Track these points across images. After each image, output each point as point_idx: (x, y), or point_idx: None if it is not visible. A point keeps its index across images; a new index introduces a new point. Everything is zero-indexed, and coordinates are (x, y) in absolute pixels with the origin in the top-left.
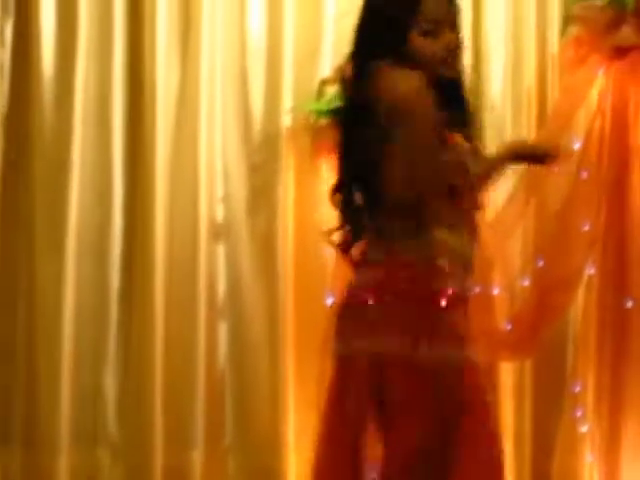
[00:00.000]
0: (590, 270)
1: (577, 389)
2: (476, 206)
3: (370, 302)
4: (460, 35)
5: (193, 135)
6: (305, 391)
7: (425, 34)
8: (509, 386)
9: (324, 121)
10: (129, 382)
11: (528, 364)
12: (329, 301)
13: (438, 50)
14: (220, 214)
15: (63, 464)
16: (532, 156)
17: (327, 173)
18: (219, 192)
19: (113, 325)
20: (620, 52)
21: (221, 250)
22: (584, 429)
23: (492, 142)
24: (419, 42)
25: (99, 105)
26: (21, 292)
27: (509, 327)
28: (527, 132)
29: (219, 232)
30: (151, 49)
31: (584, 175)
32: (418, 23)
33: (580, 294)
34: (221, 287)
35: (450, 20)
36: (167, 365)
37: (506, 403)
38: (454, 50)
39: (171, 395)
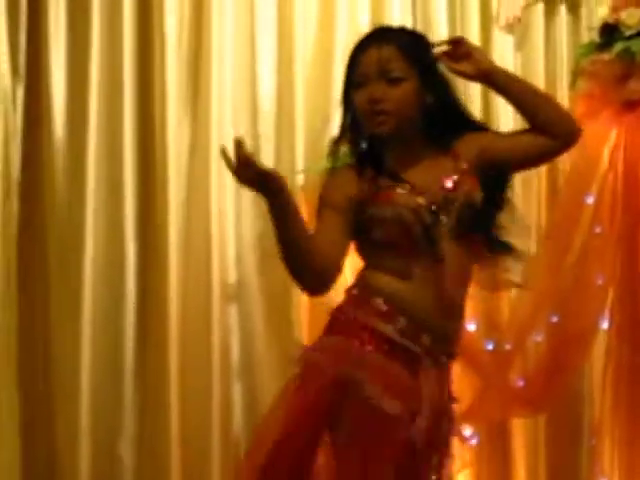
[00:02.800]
0: (604, 325)
1: (593, 443)
2: (437, 259)
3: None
4: (401, 90)
5: (205, 198)
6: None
7: (357, 87)
8: (523, 442)
9: None
10: (145, 451)
11: (542, 420)
12: None
13: (361, 102)
14: (232, 276)
15: None
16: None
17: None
18: (231, 254)
19: (129, 394)
20: (630, 105)
21: (234, 311)
22: None
23: None
24: (353, 97)
25: (111, 169)
26: (38, 361)
27: (522, 383)
28: (537, 190)
29: (232, 294)
30: (161, 112)
31: (597, 230)
32: (353, 79)
33: (594, 349)
34: (235, 349)
35: (382, 71)
36: (183, 431)
37: (520, 459)
38: (375, 102)
39: (188, 461)
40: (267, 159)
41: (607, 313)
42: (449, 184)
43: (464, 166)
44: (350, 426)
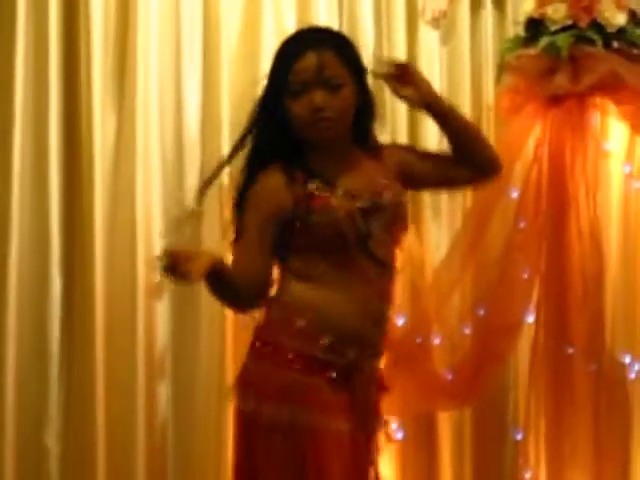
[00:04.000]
0: (530, 318)
1: (519, 437)
2: (372, 264)
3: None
4: (342, 97)
5: (131, 191)
6: None
7: (294, 95)
8: (448, 435)
9: None
10: (71, 440)
11: (467, 413)
12: None
13: (302, 111)
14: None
15: None
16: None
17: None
18: (157, 248)
19: (54, 385)
20: (555, 100)
21: (160, 304)
22: (527, 477)
23: (428, 196)
24: (289, 104)
25: (36, 162)
26: None
27: (450, 376)
28: None
29: (158, 289)
30: (87, 104)
31: (522, 224)
32: (290, 86)
33: (520, 342)
34: (160, 341)
35: (321, 77)
36: (108, 422)
37: (445, 452)
38: (318, 110)
39: (113, 451)
40: (193, 163)
41: (533, 307)
42: (380, 189)
43: (390, 171)
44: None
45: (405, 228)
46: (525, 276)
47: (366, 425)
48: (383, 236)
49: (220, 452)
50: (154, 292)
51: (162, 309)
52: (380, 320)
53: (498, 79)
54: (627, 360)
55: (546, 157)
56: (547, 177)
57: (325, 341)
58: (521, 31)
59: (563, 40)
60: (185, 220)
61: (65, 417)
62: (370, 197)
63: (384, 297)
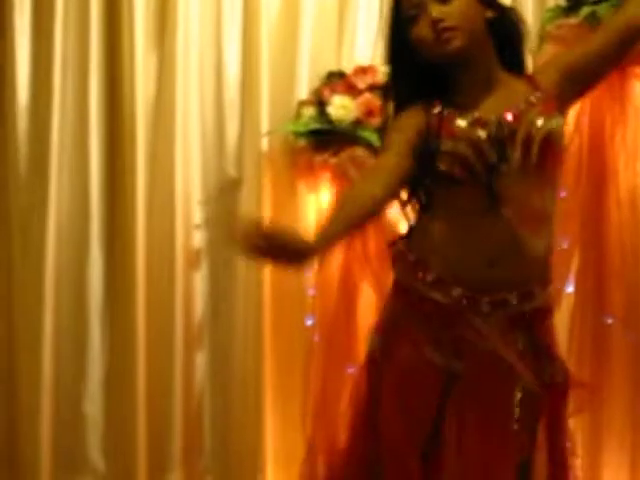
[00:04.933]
0: (570, 288)
1: None
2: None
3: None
4: (457, 4)
5: (170, 162)
6: (283, 412)
7: (413, 21)
8: None
9: (302, 143)
10: (111, 408)
11: None
12: (309, 322)
13: (423, 32)
14: (197, 241)
15: None
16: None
17: (305, 195)
18: (196, 218)
19: (95, 351)
20: None
21: (198, 277)
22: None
23: None
24: (413, 33)
25: (77, 133)
26: (2, 312)
27: None
28: None
29: (196, 259)
30: (130, 73)
31: (562, 193)
32: (405, 15)
33: (560, 313)
34: (199, 312)
35: None
36: (148, 389)
37: None
38: (434, 24)
39: (152, 419)
40: (232, 124)
41: (572, 277)
42: (509, 116)
43: (538, 94)
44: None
45: (554, 155)
46: (565, 246)
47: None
48: (520, 170)
49: (258, 420)
50: (192, 261)
51: (199, 278)
52: (504, 261)
53: (539, 48)
54: None
55: (586, 127)
56: (587, 147)
57: (429, 277)
58: (562, 0)
59: (604, 9)
60: (225, 188)
61: (105, 385)
62: (499, 123)
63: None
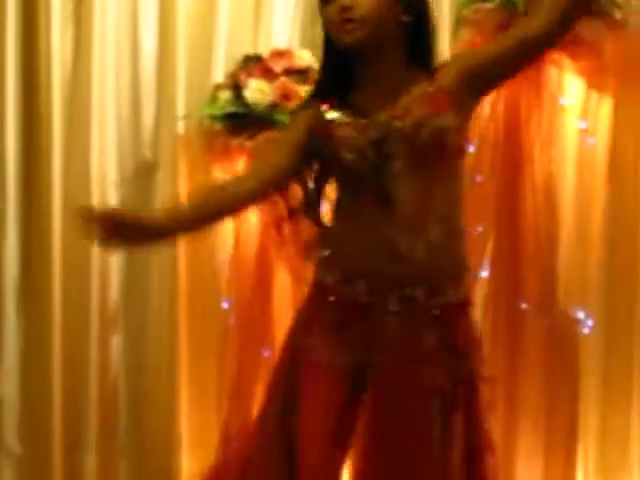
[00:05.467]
0: (484, 273)
1: None
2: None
3: None
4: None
5: (86, 144)
6: (199, 394)
7: (325, 2)
8: None
9: (218, 127)
10: (26, 390)
11: None
12: (224, 305)
13: (330, 15)
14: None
15: None
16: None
17: (221, 178)
18: (111, 199)
19: (10, 333)
20: None
21: (113, 258)
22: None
23: None
24: (323, 12)
25: None
26: None
27: None
28: None
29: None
30: (46, 53)
31: (478, 179)
32: None
33: (474, 297)
34: (114, 294)
35: None
36: (63, 371)
37: None
38: (342, 10)
39: (67, 401)
40: (148, 107)
41: (487, 261)
42: (396, 113)
43: (430, 90)
44: None
45: (444, 152)
46: (479, 230)
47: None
48: (408, 169)
49: (173, 402)
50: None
51: (114, 260)
52: (403, 255)
53: (455, 34)
54: (581, 315)
55: (502, 112)
56: (503, 132)
57: (338, 273)
58: None
59: None
60: (140, 171)
61: (21, 367)
62: (385, 124)
63: (410, 232)
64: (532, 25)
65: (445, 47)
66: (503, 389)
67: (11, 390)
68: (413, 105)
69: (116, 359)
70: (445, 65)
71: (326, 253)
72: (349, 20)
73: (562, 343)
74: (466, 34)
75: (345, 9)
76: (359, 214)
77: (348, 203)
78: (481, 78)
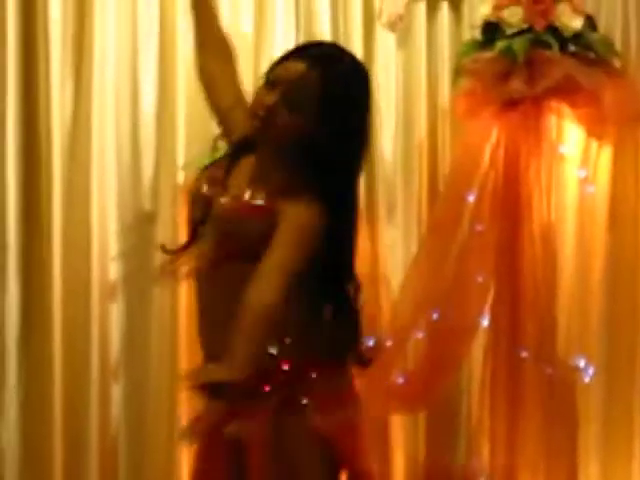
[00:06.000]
0: (484, 322)
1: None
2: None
3: None
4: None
5: (86, 195)
6: None
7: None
8: (402, 439)
9: None
10: (27, 439)
11: (421, 417)
12: None
13: (256, 104)
14: (113, 273)
15: None
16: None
17: None
18: (112, 247)
19: (11, 381)
20: (512, 104)
21: (114, 309)
22: None
23: (383, 196)
24: (261, 92)
25: None
26: None
27: (401, 380)
28: (418, 187)
29: (112, 291)
30: (46, 104)
31: (478, 227)
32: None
33: (474, 346)
34: (114, 345)
35: (273, 78)
36: (64, 423)
37: (399, 457)
38: (262, 107)
39: (68, 453)
40: (148, 156)
41: (487, 310)
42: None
43: (259, 201)
44: None
45: (235, 241)
46: (480, 280)
47: None
48: (211, 246)
49: (172, 454)
50: (108, 293)
51: (115, 310)
52: (217, 323)
53: (454, 83)
54: (581, 364)
55: (502, 160)
56: (503, 181)
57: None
58: (477, 34)
59: (519, 44)
60: (140, 221)
61: (21, 418)
62: (205, 204)
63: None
64: None
65: (445, 96)
66: (503, 437)
67: (12, 439)
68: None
69: (117, 411)
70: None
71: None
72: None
73: (561, 391)
74: (465, 83)
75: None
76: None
77: None
78: None
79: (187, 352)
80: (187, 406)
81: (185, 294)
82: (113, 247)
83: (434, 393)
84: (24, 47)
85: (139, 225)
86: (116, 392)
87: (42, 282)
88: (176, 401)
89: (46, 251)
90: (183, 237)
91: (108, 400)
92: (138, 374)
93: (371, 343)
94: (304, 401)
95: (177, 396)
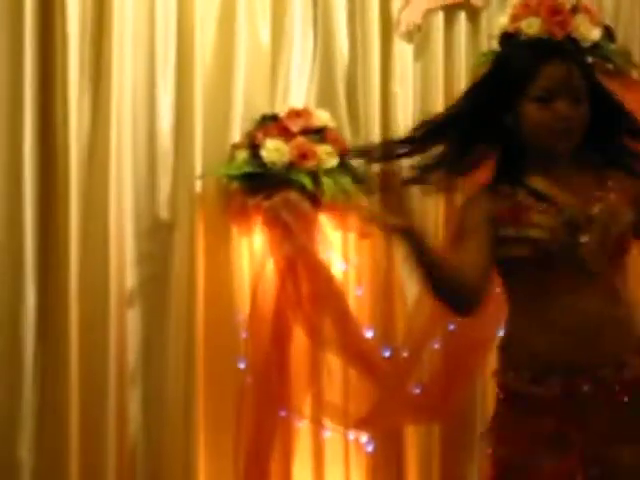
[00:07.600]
0: (501, 332)
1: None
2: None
3: None
4: (583, 109)
5: (103, 205)
6: (215, 452)
7: (537, 101)
8: (416, 449)
9: (235, 186)
10: (43, 449)
11: (436, 428)
12: (241, 365)
13: (545, 118)
14: (130, 279)
15: None
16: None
17: (238, 238)
18: (129, 256)
19: (27, 393)
20: None
21: (131, 314)
22: None
23: None
24: (528, 108)
25: (10, 180)
26: None
27: (418, 391)
28: (435, 199)
29: (130, 297)
30: (64, 119)
31: None
32: (533, 89)
33: (490, 356)
34: (132, 352)
35: (569, 90)
36: (81, 430)
37: (413, 466)
38: (564, 120)
39: (85, 460)
40: (165, 166)
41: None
42: (592, 205)
43: (611, 193)
44: None
45: (622, 248)
46: (497, 290)
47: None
48: (598, 248)
49: (190, 462)
50: (126, 299)
51: (132, 317)
52: (597, 334)
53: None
54: None
55: None
56: None
57: (525, 375)
58: (496, 45)
59: None
60: (157, 230)
61: (38, 428)
62: (579, 213)
63: (608, 298)
64: None
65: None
66: None
67: (28, 454)
68: (600, 196)
69: (134, 419)
70: (620, 179)
71: (505, 356)
72: (567, 129)
73: None
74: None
75: (566, 119)
76: (536, 301)
77: (530, 294)
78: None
79: (203, 359)
80: (203, 415)
81: (202, 301)
82: (130, 255)
83: (450, 404)
84: (42, 61)
85: (157, 234)
86: (133, 398)
87: (59, 290)
88: (193, 407)
89: (63, 259)
90: (200, 245)
91: (125, 406)
92: (155, 380)
93: (388, 354)
94: None
95: (194, 402)
